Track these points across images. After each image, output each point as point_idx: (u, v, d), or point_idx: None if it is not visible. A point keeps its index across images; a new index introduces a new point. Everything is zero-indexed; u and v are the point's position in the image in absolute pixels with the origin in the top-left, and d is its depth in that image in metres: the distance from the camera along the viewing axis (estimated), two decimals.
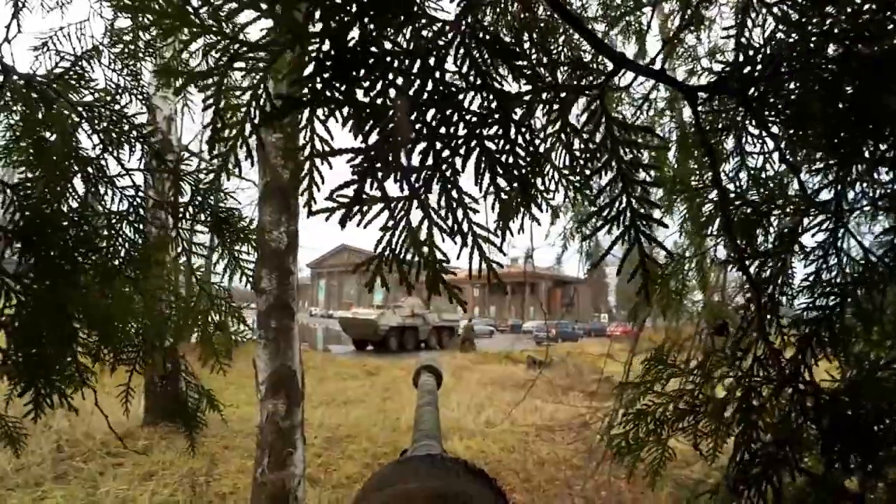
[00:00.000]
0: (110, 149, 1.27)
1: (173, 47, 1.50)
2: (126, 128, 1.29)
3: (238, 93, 0.62)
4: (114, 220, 1.29)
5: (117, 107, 1.27)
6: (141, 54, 1.46)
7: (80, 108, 1.23)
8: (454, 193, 0.61)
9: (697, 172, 1.69)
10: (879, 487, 1.00)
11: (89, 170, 1.24)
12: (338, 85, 0.51)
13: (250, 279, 1.43)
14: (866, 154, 0.87)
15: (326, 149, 0.55)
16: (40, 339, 1.16)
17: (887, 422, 0.84)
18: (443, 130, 0.59)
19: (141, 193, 1.33)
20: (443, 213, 0.61)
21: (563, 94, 0.67)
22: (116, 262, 1.28)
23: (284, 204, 3.85)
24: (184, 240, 1.40)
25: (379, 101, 0.53)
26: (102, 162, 1.27)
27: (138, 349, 1.40)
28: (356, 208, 0.54)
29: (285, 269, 3.84)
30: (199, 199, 1.32)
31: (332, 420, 8.12)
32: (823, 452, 0.83)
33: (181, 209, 1.34)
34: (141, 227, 1.31)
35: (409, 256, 0.60)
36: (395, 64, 0.54)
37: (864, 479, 0.88)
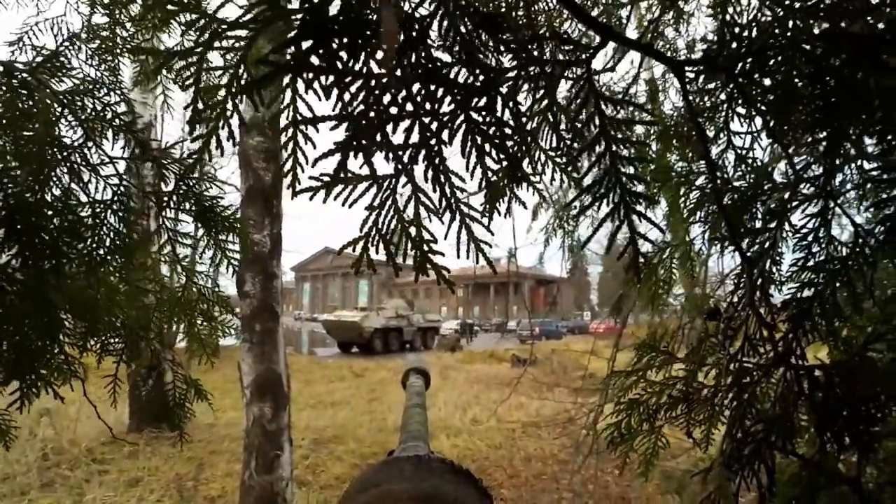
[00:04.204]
0: (94, 137, 1.24)
1: (151, 41, 1.47)
2: (109, 116, 1.25)
3: (218, 73, 0.59)
4: (98, 210, 1.25)
5: (98, 95, 1.24)
6: (118, 50, 1.42)
7: (61, 97, 1.20)
8: (441, 169, 0.59)
9: (679, 162, 1.69)
10: (872, 473, 1.00)
11: (72, 158, 1.21)
12: (319, 54, 0.49)
13: (237, 269, 1.40)
14: (854, 131, 0.87)
15: (310, 124, 0.53)
16: (25, 328, 1.14)
17: (879, 400, 0.83)
18: (428, 105, 0.57)
19: (125, 182, 1.29)
20: (430, 190, 0.59)
21: (549, 70, 0.65)
22: (101, 252, 1.25)
23: (267, 207, 3.83)
24: (168, 229, 1.36)
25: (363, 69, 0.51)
26: (85, 151, 1.23)
27: (125, 340, 1.37)
28: (341, 186, 0.52)
29: (269, 273, 3.82)
30: (184, 187, 1.29)
31: (319, 422, 8.09)
32: (817, 431, 0.82)
33: (164, 198, 1.30)
34: (126, 216, 1.28)
35: (395, 237, 0.58)
36: (378, 35, 0.51)
37: (860, 461, 0.88)
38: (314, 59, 0.48)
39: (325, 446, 6.79)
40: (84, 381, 1.33)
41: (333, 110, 0.54)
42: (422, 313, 26.13)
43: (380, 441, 7.06)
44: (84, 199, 1.25)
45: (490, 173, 0.66)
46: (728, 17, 0.86)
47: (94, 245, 1.23)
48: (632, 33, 2.75)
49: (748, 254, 0.96)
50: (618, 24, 2.83)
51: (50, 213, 1.17)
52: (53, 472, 5.28)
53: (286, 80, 0.57)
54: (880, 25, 0.83)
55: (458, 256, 0.60)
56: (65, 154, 1.18)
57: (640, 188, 0.62)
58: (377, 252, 0.58)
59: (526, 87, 0.69)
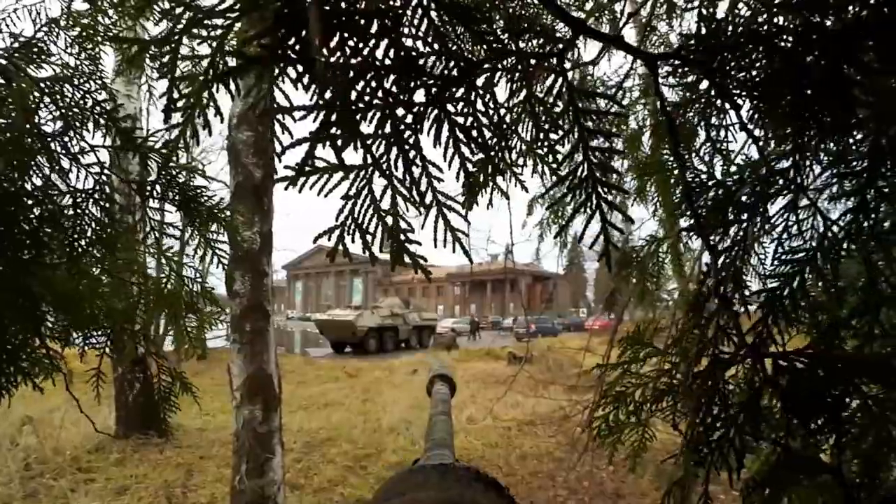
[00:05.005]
0: (75, 125, 1.22)
1: (133, 29, 1.46)
2: (89, 104, 1.24)
3: (200, 61, 0.60)
4: (79, 199, 1.24)
5: (79, 83, 1.23)
6: (99, 38, 1.41)
7: (41, 84, 1.19)
8: (417, 161, 0.60)
9: (669, 157, 1.69)
10: (853, 462, 1.01)
11: (52, 146, 1.19)
12: (291, 43, 0.49)
13: (224, 263, 1.39)
14: (827, 124, 0.88)
15: (285, 113, 0.53)
16: (4, 319, 1.13)
17: (846, 387, 0.84)
18: (403, 97, 0.57)
19: (107, 171, 1.28)
20: (406, 181, 0.60)
21: (525, 61, 0.66)
22: (83, 242, 1.24)
23: (257, 203, 3.78)
24: (151, 219, 1.35)
25: (333, 59, 0.51)
26: (66, 139, 1.22)
27: (109, 333, 1.35)
28: (314, 177, 0.52)
29: (259, 271, 3.77)
30: (167, 176, 1.27)
31: (312, 424, 8.05)
32: (783, 413, 0.84)
33: (148, 187, 1.29)
34: (107, 205, 1.27)
35: (372, 227, 0.58)
36: (351, 23, 0.52)
37: (838, 446, 0.89)
38: (288, 50, 0.49)
39: (317, 449, 6.76)
40: (67, 376, 1.31)
41: (311, 101, 0.54)
42: (418, 311, 26.10)
43: (374, 442, 7.04)
44: (65, 188, 1.23)
45: (469, 164, 0.67)
46: (705, 11, 0.87)
47: (76, 235, 1.22)
48: (628, 30, 2.76)
49: (718, 245, 0.97)
50: (611, 18, 2.84)
51: (30, 202, 1.16)
52: (37, 481, 5.15)
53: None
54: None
55: (436, 246, 0.61)
56: (45, 142, 1.17)
57: (614, 179, 0.63)
58: (353, 241, 0.58)
59: (505, 78, 0.69)
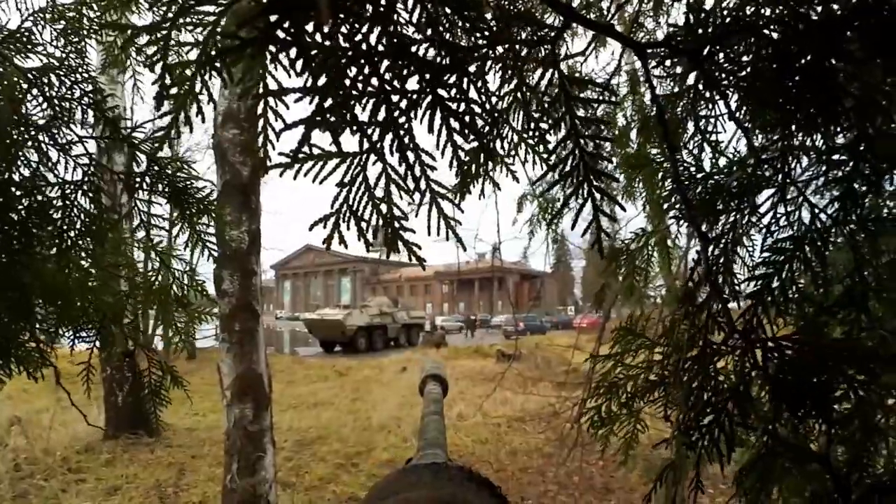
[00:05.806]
0: (63, 116, 1.20)
1: (120, 21, 1.44)
2: (77, 94, 1.22)
3: (186, 49, 0.59)
4: (68, 191, 1.22)
5: (65, 73, 1.21)
6: (85, 31, 1.39)
7: (27, 74, 1.17)
8: (410, 147, 0.59)
9: (658, 152, 1.70)
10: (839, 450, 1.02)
11: (40, 137, 1.17)
12: (286, 26, 0.49)
13: (213, 255, 1.38)
14: (813, 114, 0.89)
15: (277, 97, 0.52)
16: None
17: (834, 374, 0.85)
18: (397, 83, 0.57)
19: (95, 163, 1.26)
20: (400, 168, 0.60)
21: (516, 49, 0.66)
22: (72, 234, 1.22)
23: (245, 202, 3.75)
24: (141, 212, 1.33)
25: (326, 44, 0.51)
26: (54, 130, 1.20)
27: (98, 326, 1.33)
28: (311, 163, 0.52)
29: (248, 270, 3.75)
30: (156, 168, 1.25)
31: (302, 423, 8.04)
32: (771, 399, 0.85)
33: (136, 178, 1.27)
34: (96, 197, 1.25)
35: (367, 214, 0.58)
36: (344, 7, 0.52)
37: (829, 434, 0.90)
38: (280, 34, 0.48)
39: (308, 447, 6.76)
40: (58, 373, 1.29)
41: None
42: (406, 310, 26.14)
43: (364, 441, 7.05)
44: (53, 179, 1.22)
45: (462, 153, 0.67)
46: (693, 1, 0.88)
47: (65, 227, 1.20)
48: (617, 27, 2.76)
49: (709, 234, 0.98)
50: (598, 16, 2.86)
51: (18, 193, 1.14)
52: (27, 482, 5.10)
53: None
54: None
55: (429, 233, 0.61)
56: (32, 133, 1.15)
57: (605, 166, 0.64)
58: (348, 228, 0.58)
59: (496, 67, 0.70)
